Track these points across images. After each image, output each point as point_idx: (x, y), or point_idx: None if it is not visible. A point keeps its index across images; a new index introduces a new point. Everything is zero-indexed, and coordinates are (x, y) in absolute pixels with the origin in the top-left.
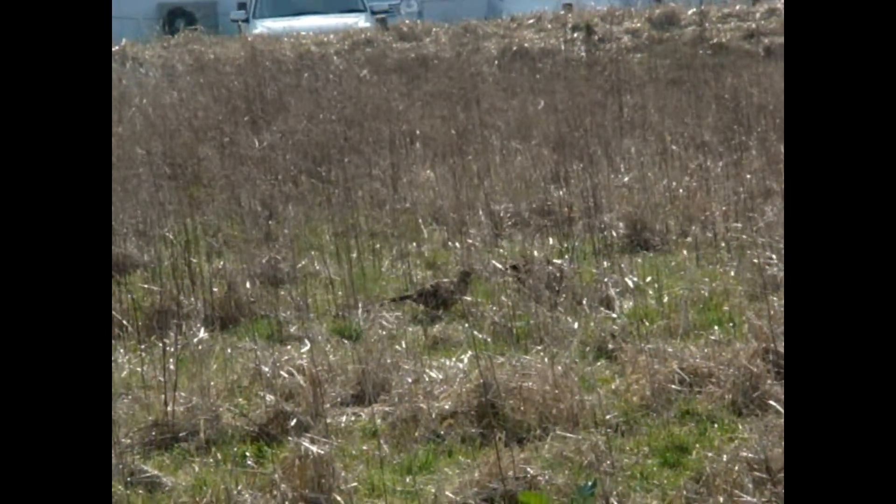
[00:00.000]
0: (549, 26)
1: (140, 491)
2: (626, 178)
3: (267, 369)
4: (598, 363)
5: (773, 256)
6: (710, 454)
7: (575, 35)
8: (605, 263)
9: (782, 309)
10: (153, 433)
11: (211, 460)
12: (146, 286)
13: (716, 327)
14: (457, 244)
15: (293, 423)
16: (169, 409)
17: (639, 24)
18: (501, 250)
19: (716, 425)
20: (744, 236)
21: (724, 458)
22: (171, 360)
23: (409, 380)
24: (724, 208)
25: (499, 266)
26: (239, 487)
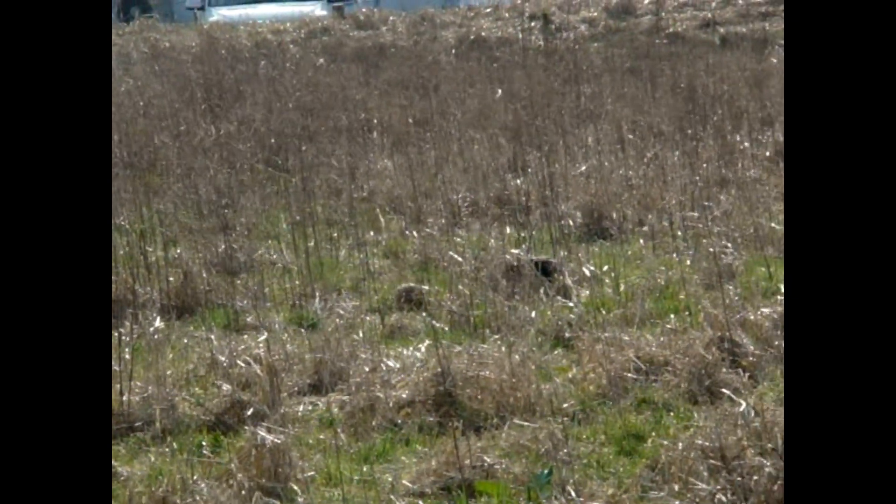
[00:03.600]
0: (507, 15)
1: None
2: (583, 168)
3: (223, 358)
4: (555, 352)
5: (728, 245)
6: (665, 442)
7: (532, 24)
8: (562, 252)
9: (737, 297)
10: None
11: (167, 450)
12: None
13: (672, 316)
14: (414, 233)
15: (250, 412)
16: (124, 398)
17: (595, 14)
18: (459, 239)
19: (671, 413)
20: (699, 225)
21: (680, 446)
22: (127, 349)
23: (367, 369)
24: (680, 197)
25: (456, 257)
26: (195, 477)
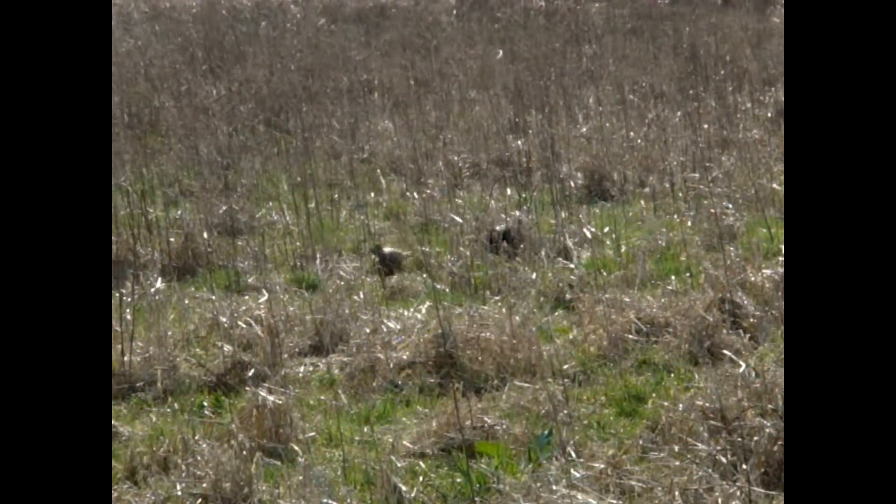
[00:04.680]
0: None
1: None
2: (584, 129)
3: (224, 319)
4: (556, 313)
5: (730, 206)
6: (665, 403)
7: None
8: (563, 214)
9: (738, 259)
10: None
11: (168, 410)
12: None
13: (673, 277)
14: (415, 194)
15: (251, 373)
16: (126, 359)
17: None
18: (459, 201)
19: (672, 375)
20: (701, 186)
21: (680, 407)
22: (129, 310)
23: (367, 330)
24: (681, 158)
25: (457, 218)
26: (196, 437)
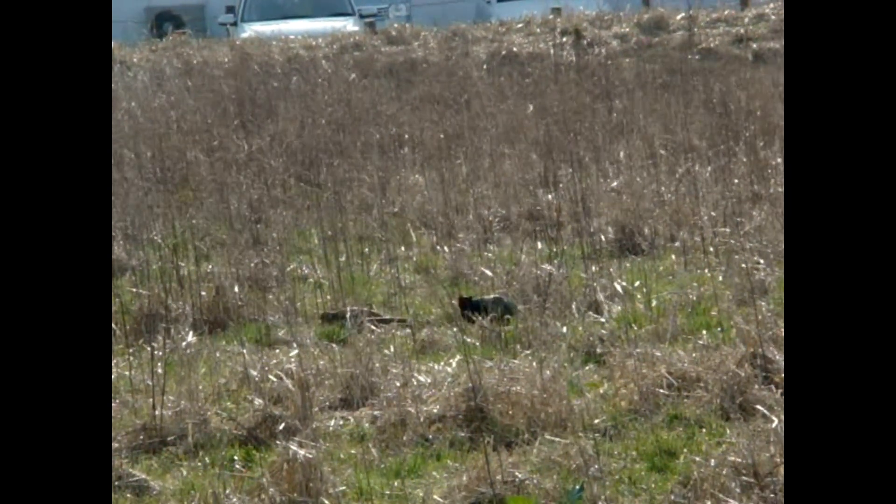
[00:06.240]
0: (538, 31)
1: (128, 495)
2: (614, 183)
3: (255, 373)
4: (587, 367)
5: (761, 261)
6: (697, 459)
7: (564, 39)
8: (593, 268)
9: (770, 313)
10: (141, 437)
11: (199, 464)
12: (134, 290)
13: (704, 332)
14: (445, 248)
15: (281, 426)
16: (157, 412)
17: (627, 29)
18: (490, 255)
19: (703, 430)
20: (731, 241)
21: (712, 462)
22: (160, 363)
23: (398, 384)
24: (712, 213)
25: (487, 272)
26: (227, 491)
